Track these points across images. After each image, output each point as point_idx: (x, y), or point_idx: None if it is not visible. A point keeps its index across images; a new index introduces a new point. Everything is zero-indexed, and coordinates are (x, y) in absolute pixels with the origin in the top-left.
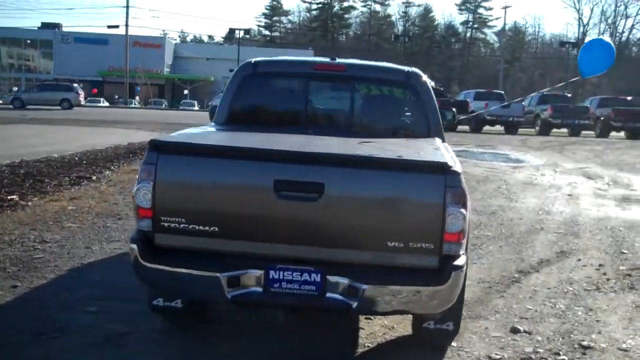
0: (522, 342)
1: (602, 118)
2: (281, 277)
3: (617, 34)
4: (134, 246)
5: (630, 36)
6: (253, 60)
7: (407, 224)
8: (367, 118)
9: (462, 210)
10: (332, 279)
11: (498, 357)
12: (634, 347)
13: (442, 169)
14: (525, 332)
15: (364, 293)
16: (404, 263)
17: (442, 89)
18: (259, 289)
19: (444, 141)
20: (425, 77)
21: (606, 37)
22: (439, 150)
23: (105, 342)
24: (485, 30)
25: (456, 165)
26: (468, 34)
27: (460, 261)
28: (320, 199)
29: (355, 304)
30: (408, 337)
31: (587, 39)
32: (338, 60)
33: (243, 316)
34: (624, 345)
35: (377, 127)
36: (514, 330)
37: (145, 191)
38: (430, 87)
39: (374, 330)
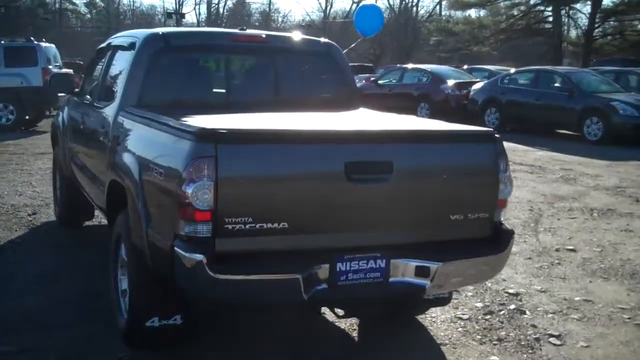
0: None
1: None
2: (347, 269)
3: None
4: (199, 256)
5: None
6: (161, 31)
7: (466, 195)
8: (293, 91)
9: (509, 175)
10: (398, 262)
11: None
12: None
13: (492, 137)
14: None
15: (437, 272)
16: (464, 236)
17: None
18: (325, 285)
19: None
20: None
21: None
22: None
23: None
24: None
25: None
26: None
27: (508, 227)
28: (389, 179)
29: (428, 285)
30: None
31: None
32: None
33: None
34: None
35: (305, 99)
36: None
37: (205, 190)
38: (346, 58)
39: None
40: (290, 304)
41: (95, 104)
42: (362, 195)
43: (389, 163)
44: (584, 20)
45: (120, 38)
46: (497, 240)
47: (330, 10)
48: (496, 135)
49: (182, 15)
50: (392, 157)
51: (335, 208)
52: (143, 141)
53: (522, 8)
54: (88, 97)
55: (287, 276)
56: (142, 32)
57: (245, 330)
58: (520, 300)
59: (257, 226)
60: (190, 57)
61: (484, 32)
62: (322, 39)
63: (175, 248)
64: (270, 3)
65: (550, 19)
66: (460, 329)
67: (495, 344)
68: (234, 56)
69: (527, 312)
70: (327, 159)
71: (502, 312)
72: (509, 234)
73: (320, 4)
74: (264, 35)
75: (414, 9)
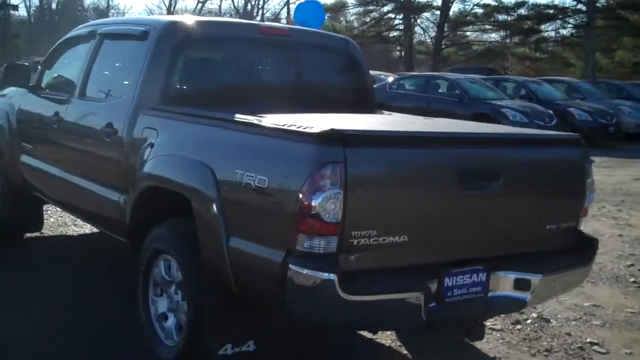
0: None
1: None
2: (454, 284)
3: None
4: (328, 275)
5: None
6: (180, 19)
7: (559, 202)
8: (315, 88)
9: (593, 181)
10: (498, 275)
11: None
12: None
13: (579, 142)
14: None
15: (538, 284)
16: (554, 246)
17: None
18: (434, 303)
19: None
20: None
21: None
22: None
23: None
24: None
25: None
26: None
27: (591, 235)
28: (497, 186)
29: (528, 298)
30: None
31: None
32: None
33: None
34: None
35: (328, 98)
36: None
37: (333, 200)
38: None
39: None
40: (410, 324)
41: (81, 101)
42: (472, 204)
43: (498, 169)
44: (433, 30)
45: (115, 26)
46: (584, 249)
47: (174, 8)
48: (581, 141)
49: (15, 7)
50: (502, 163)
51: (447, 218)
52: (214, 145)
53: (375, 15)
54: (55, 92)
55: (413, 294)
56: (154, 20)
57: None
58: (535, 307)
59: (380, 240)
60: (214, 48)
61: None
62: (341, 35)
63: (291, 266)
64: None
65: (402, 27)
66: (501, 341)
67: (546, 355)
68: (257, 49)
69: (551, 320)
70: (445, 165)
71: (528, 320)
72: (593, 242)
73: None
74: (288, 29)
75: (260, 11)
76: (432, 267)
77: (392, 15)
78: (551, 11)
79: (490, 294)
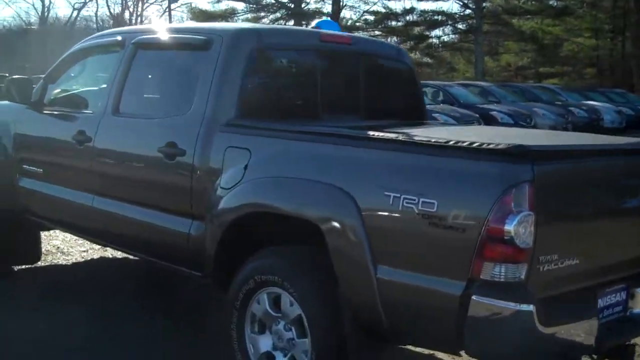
0: None
1: None
2: (605, 304)
3: None
4: (529, 307)
5: None
6: (249, 27)
7: None
8: (377, 98)
9: None
10: (637, 292)
11: None
12: None
13: None
14: None
15: None
16: None
17: None
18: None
19: None
20: None
21: None
22: None
23: None
24: None
25: None
26: None
27: None
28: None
29: None
30: None
31: None
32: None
33: None
34: None
35: (387, 107)
36: None
37: (525, 223)
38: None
39: None
40: (584, 352)
41: (118, 117)
42: (625, 219)
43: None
44: None
45: (155, 35)
46: None
47: (48, 14)
48: None
49: None
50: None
51: (608, 235)
52: (351, 166)
53: (265, 22)
54: (70, 109)
55: (592, 321)
56: (216, 29)
57: None
58: None
59: (560, 264)
60: (281, 57)
61: None
62: (393, 44)
63: (474, 297)
64: None
65: None
66: None
67: None
68: (320, 58)
69: None
70: (614, 178)
71: None
72: None
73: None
74: (349, 36)
75: (139, 18)
76: (590, 289)
77: (282, 22)
78: (439, 17)
79: (629, 312)
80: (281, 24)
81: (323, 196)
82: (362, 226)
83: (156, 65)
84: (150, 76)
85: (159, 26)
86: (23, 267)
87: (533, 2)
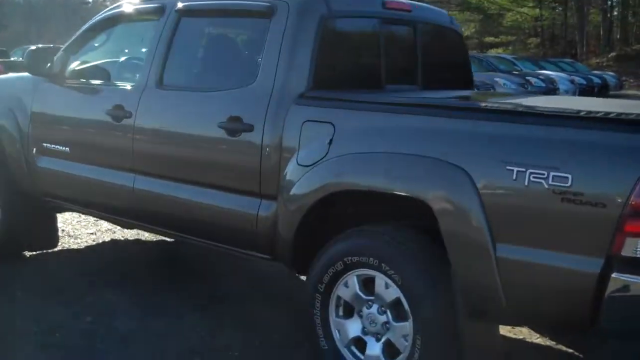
0: None
1: None
2: None
3: None
4: None
5: None
6: None
7: None
8: (434, 67)
9: None
10: None
11: None
12: None
13: None
14: None
15: None
16: None
17: None
18: None
19: None
20: None
21: None
22: None
23: None
24: None
25: None
26: None
27: None
28: None
29: None
30: None
31: None
32: None
33: None
34: None
35: (444, 76)
36: None
37: None
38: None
39: None
40: None
41: (165, 91)
42: None
43: None
44: None
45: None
46: None
47: None
48: None
49: None
50: None
51: None
52: (462, 140)
53: None
54: (100, 81)
55: None
56: None
57: None
58: None
59: None
60: (350, 25)
61: None
62: (444, 10)
63: (615, 274)
64: None
65: None
66: None
67: None
68: (384, 26)
69: None
70: None
71: None
72: None
73: None
74: (409, 4)
75: None
76: None
77: None
78: None
79: None
80: None
81: (433, 173)
82: (479, 203)
83: (206, 35)
84: (199, 46)
85: None
86: (34, 252)
87: None
